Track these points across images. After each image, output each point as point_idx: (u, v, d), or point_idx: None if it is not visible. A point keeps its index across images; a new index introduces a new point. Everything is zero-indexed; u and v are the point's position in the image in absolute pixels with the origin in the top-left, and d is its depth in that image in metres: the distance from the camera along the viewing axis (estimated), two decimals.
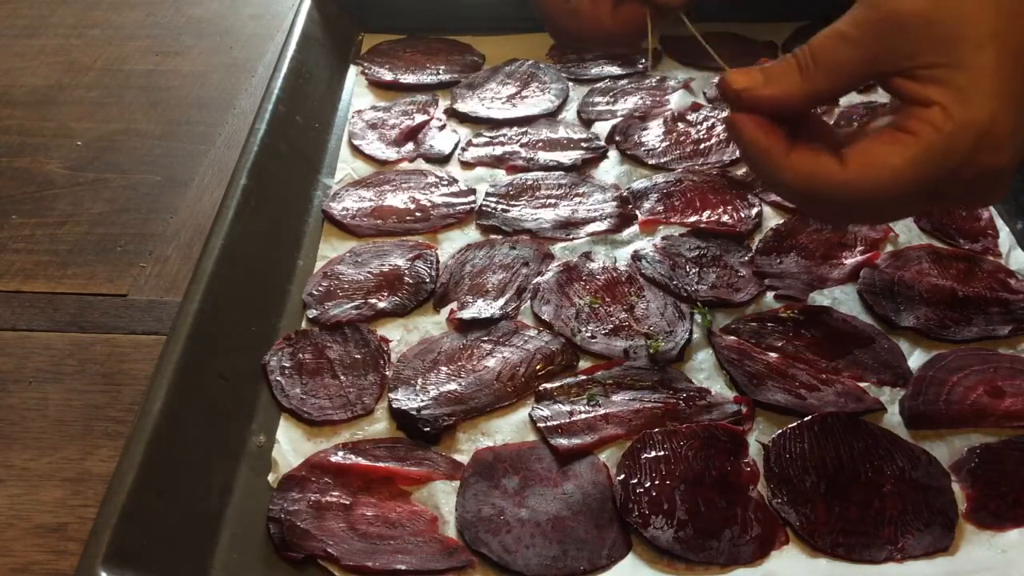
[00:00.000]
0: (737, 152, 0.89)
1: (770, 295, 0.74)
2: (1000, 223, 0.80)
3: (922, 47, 0.49)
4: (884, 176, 0.49)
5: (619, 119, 0.94)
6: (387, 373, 0.68)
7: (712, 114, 0.94)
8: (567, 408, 0.65)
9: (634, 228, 0.81)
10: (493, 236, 0.81)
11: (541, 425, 0.63)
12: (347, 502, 0.59)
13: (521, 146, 0.91)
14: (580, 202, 0.84)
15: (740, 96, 0.52)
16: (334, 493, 0.60)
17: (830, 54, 0.51)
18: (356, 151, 0.91)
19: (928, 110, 0.48)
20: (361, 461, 0.61)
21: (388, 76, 1.01)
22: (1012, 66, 0.48)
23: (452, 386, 0.66)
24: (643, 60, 1.03)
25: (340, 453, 0.62)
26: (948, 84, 0.48)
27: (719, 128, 0.92)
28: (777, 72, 0.52)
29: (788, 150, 0.52)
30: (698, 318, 0.71)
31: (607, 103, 0.97)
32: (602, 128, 0.93)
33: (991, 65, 0.47)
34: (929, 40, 0.48)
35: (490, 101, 0.97)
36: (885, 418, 0.64)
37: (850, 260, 0.77)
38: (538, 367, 0.68)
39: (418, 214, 0.83)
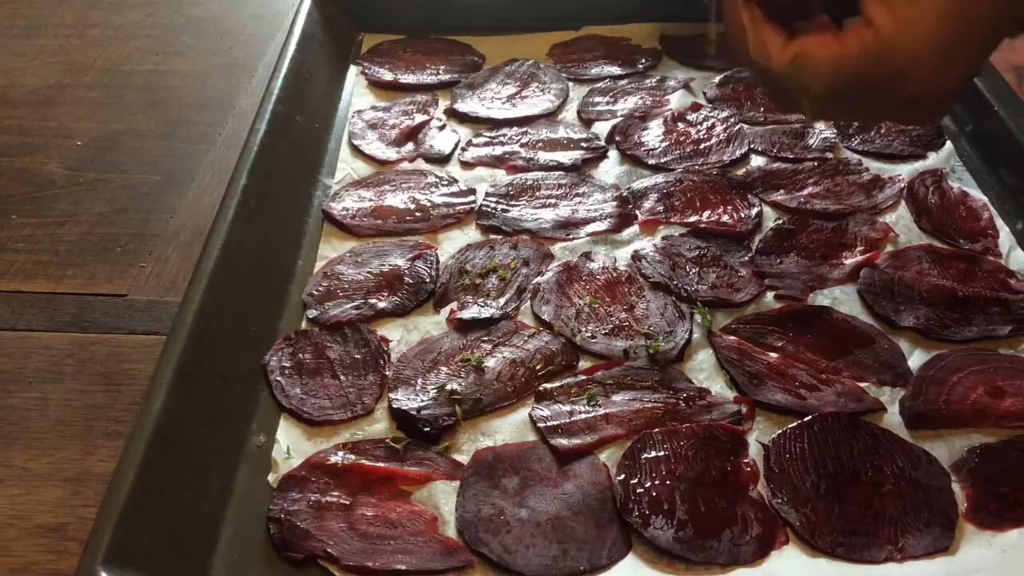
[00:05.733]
0: (738, 152, 0.89)
1: (770, 295, 0.74)
2: (1000, 223, 0.80)
3: None
4: (807, 64, 0.56)
5: (619, 119, 0.94)
6: (387, 373, 0.68)
7: (712, 114, 0.94)
8: (567, 408, 0.65)
9: (634, 228, 0.81)
10: (493, 236, 0.81)
11: (541, 425, 0.63)
12: (347, 502, 0.59)
13: (521, 146, 0.91)
14: (580, 202, 0.84)
15: None
16: (334, 493, 0.60)
17: None
18: (356, 151, 0.91)
19: (866, 28, 0.55)
20: (361, 461, 0.61)
21: (388, 76, 1.01)
22: (954, 16, 0.53)
23: (452, 386, 0.66)
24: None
25: (340, 453, 0.62)
26: (895, 14, 0.54)
27: (719, 128, 0.92)
28: None
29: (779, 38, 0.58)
30: (698, 318, 0.71)
31: (607, 103, 0.97)
32: (602, 128, 0.93)
33: (936, 9, 0.53)
34: None
35: (490, 101, 0.97)
36: (885, 418, 0.64)
37: (850, 260, 0.77)
38: (538, 367, 0.68)
39: (418, 214, 0.83)
